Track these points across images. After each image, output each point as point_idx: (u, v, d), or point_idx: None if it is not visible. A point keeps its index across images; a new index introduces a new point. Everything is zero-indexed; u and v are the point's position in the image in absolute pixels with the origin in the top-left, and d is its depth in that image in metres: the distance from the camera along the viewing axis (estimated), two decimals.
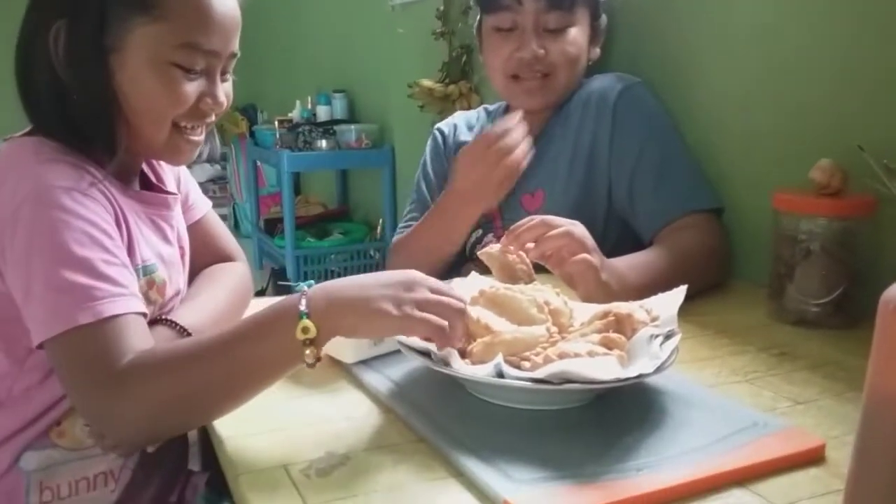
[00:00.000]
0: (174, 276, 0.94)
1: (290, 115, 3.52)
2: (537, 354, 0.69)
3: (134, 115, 0.84)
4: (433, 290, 0.72)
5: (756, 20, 1.23)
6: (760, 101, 1.23)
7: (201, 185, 4.22)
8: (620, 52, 1.48)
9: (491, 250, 0.95)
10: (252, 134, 4.04)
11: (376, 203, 3.26)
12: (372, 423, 0.73)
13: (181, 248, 0.98)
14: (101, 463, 0.89)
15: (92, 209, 0.77)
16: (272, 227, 3.68)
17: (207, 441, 0.92)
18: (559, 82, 1.33)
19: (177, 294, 0.95)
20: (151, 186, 0.97)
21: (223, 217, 4.70)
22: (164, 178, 1.00)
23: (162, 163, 1.01)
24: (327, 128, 3.17)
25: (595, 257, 0.97)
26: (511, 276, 0.93)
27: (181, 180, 1.05)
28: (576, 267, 0.95)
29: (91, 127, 0.83)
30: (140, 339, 0.73)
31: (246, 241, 4.28)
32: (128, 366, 0.70)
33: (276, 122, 3.37)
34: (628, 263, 1.05)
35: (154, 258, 0.89)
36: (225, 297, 1.00)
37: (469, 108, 2.03)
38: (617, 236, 1.30)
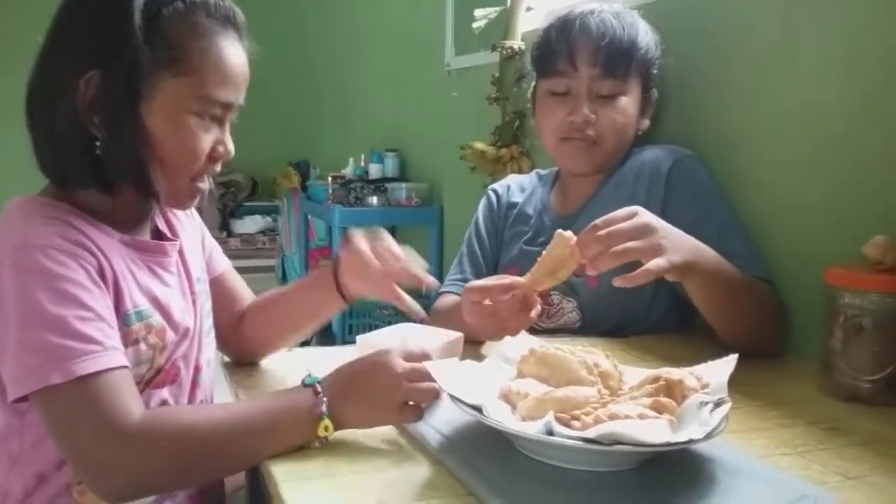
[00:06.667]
0: (176, 317, 0.96)
1: (342, 171, 3.61)
2: (588, 414, 0.70)
3: (159, 161, 0.89)
4: (410, 379, 0.81)
5: (804, 96, 1.25)
6: (810, 175, 1.24)
7: (252, 236, 4.32)
8: (670, 124, 1.51)
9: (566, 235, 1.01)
10: (305, 188, 4.14)
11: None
12: (421, 474, 0.74)
13: (193, 292, 1.01)
14: None
15: (68, 265, 0.81)
16: None
17: (254, 485, 0.94)
18: (606, 147, 1.36)
19: (185, 336, 0.97)
20: (161, 236, 1.01)
21: (271, 268, 4.79)
22: (178, 230, 1.04)
23: (181, 218, 1.06)
24: (378, 185, 3.24)
25: (662, 259, 0.97)
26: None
27: (204, 237, 1.11)
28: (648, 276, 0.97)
29: (123, 173, 0.87)
30: (116, 394, 0.77)
31: None
32: (140, 424, 0.76)
33: (330, 178, 3.45)
34: (710, 253, 1.08)
35: (147, 303, 0.92)
36: None
37: (520, 171, 2.07)
38: (666, 305, 1.31)
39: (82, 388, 0.76)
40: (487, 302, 1.08)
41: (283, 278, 4.65)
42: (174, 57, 0.86)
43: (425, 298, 3.36)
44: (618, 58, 1.32)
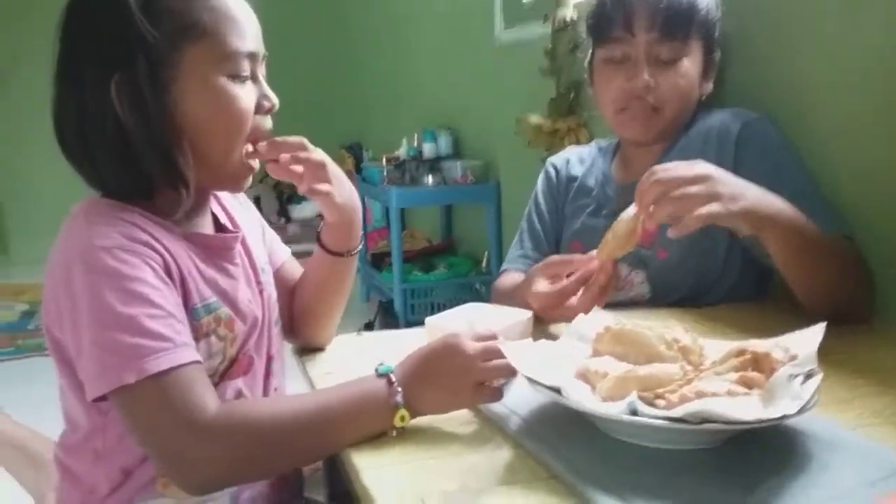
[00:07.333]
0: (244, 308, 0.96)
1: (396, 152, 3.60)
2: (672, 392, 0.68)
3: (205, 141, 0.88)
4: (482, 359, 0.81)
5: (871, 49, 1.19)
6: (883, 130, 1.18)
7: (309, 220, 4.37)
8: (734, 86, 1.46)
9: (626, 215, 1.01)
10: (359, 171, 4.15)
11: (481, 237, 3.29)
12: (502, 457, 0.73)
13: (259, 283, 1.01)
14: None
15: (134, 264, 0.81)
16: (379, 261, 3.76)
17: (334, 470, 0.95)
18: (667, 115, 1.32)
19: (255, 326, 0.97)
20: (223, 228, 1.01)
21: None
22: (238, 222, 1.03)
23: (239, 210, 1.05)
24: (433, 164, 3.23)
25: (717, 204, 0.94)
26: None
27: (264, 229, 1.11)
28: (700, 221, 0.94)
29: (163, 170, 0.86)
30: (191, 389, 0.78)
31: None
32: (216, 417, 0.77)
33: (384, 160, 3.46)
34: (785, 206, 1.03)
35: (215, 296, 0.92)
36: None
37: (578, 143, 2.04)
38: (739, 273, 1.27)
39: (157, 386, 0.77)
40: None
41: None
42: (185, 25, 0.85)
43: (486, 275, 3.36)
44: (677, 20, 1.28)
